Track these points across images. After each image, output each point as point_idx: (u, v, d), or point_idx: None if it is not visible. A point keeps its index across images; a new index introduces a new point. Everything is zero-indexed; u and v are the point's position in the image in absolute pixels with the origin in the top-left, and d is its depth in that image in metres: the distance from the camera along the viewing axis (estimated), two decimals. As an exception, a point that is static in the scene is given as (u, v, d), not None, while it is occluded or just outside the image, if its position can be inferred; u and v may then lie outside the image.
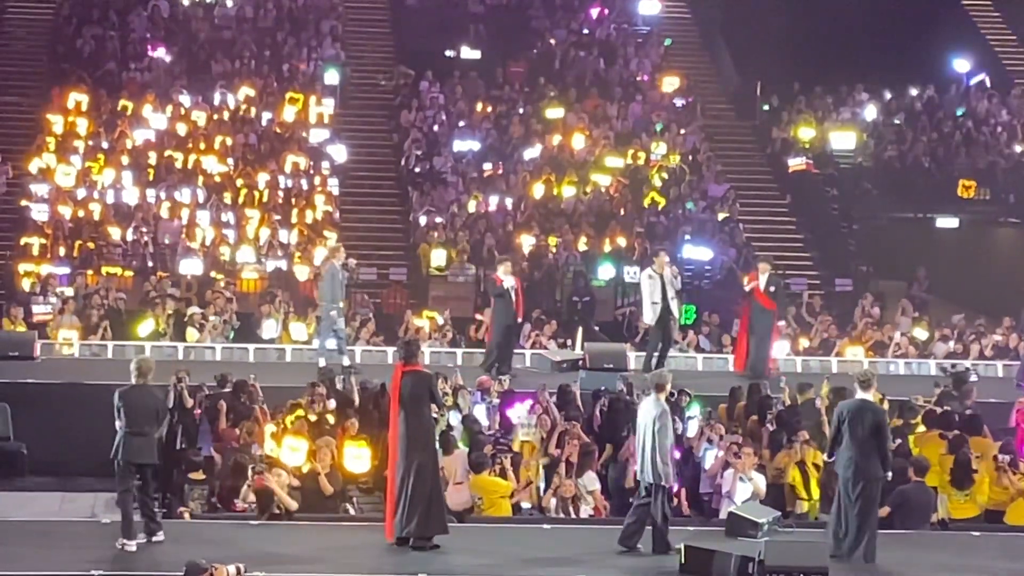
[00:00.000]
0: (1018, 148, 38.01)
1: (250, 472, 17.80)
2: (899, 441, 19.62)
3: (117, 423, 16.08)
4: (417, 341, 17.93)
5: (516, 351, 25.57)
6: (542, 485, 19.43)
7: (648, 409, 16.44)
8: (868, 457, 16.19)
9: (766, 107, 39.50)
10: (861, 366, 24.69)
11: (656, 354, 24.86)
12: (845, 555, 16.21)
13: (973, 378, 23.99)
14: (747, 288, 25.48)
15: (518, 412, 20.86)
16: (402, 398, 16.33)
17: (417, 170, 35.79)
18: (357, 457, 19.27)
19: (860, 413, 16.30)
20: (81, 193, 32.77)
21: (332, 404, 20.77)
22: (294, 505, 17.49)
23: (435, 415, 17.55)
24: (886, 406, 21.05)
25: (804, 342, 29.42)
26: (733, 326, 28.42)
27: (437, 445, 17.31)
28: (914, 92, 40.20)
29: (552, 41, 40.30)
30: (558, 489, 18.93)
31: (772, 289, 25.23)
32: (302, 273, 30.78)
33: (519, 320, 25.42)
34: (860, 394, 16.52)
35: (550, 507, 18.95)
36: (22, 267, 30.18)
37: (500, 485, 18.64)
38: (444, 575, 15.64)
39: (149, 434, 16.00)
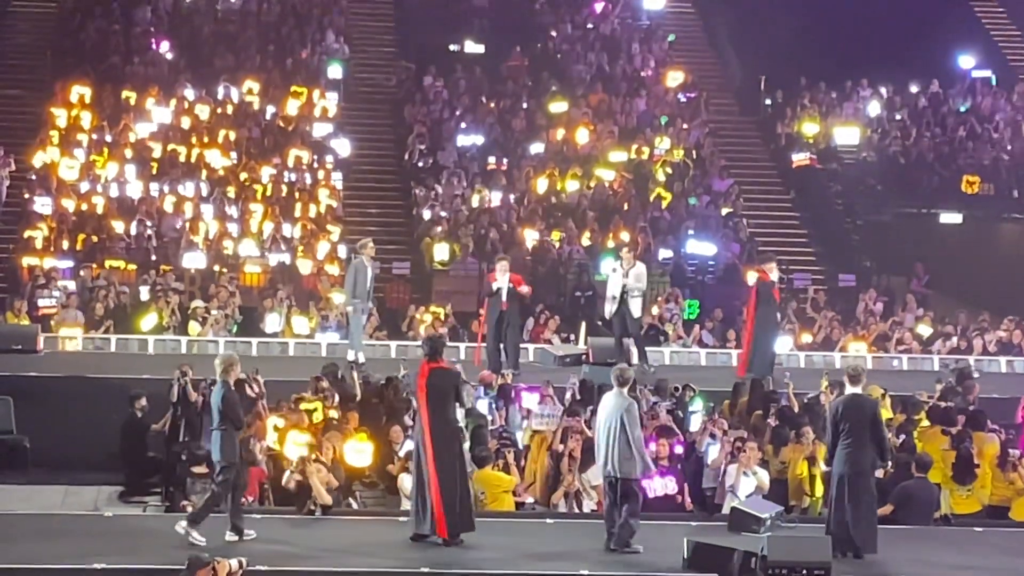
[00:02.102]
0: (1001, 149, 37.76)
1: (297, 461, 17.79)
2: (903, 437, 19.62)
3: None
4: (441, 338, 17.65)
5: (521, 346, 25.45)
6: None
7: (613, 403, 16.22)
8: (865, 450, 16.17)
9: (768, 101, 39.50)
10: (864, 361, 24.65)
11: (619, 348, 24.55)
12: (848, 549, 16.14)
13: (976, 375, 23.95)
14: (752, 283, 25.16)
15: (526, 403, 20.82)
16: (429, 395, 16.20)
17: (420, 164, 35.76)
18: (358, 451, 19.22)
19: (854, 407, 16.29)
20: (84, 186, 32.75)
21: (335, 399, 20.77)
22: (329, 500, 17.46)
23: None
24: (888, 401, 21.12)
25: (807, 337, 29.40)
26: (736, 322, 28.34)
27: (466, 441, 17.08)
28: (918, 88, 40.15)
29: (555, 34, 40.30)
30: (568, 488, 18.90)
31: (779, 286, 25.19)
32: (305, 267, 30.78)
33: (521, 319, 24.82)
34: (850, 389, 16.50)
35: (559, 505, 18.93)
36: (25, 260, 30.17)
37: (503, 480, 18.60)
38: (447, 569, 15.61)
39: (216, 428, 16.14)
